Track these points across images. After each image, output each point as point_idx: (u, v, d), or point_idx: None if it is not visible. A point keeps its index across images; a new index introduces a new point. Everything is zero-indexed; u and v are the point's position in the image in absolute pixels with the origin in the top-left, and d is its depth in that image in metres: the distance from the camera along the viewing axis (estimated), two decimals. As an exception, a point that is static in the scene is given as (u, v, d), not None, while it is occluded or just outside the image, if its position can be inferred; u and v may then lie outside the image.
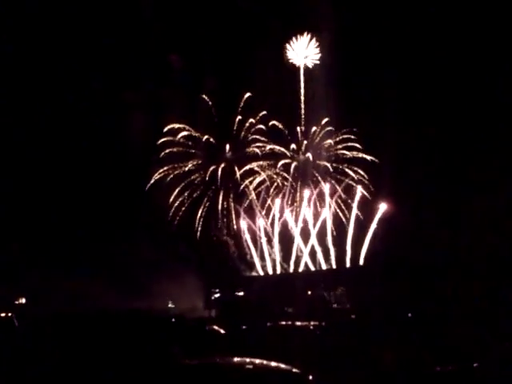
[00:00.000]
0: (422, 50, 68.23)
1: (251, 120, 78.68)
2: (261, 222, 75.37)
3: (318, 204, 77.50)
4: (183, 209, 77.57)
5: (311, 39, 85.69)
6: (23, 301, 67.40)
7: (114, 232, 67.07)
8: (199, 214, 77.61)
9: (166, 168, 76.95)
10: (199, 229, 77.45)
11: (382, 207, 70.67)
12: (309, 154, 79.76)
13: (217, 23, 73.68)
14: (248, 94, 77.79)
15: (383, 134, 67.49)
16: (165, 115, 75.91)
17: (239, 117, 78.55)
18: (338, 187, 77.16)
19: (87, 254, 67.07)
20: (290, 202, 77.75)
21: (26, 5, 67.77)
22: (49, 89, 69.18)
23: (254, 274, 75.80)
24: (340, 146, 79.68)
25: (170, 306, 67.76)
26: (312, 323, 31.02)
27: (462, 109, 66.54)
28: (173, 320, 32.88)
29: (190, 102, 77.55)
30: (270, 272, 75.99)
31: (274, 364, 12.81)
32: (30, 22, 68.23)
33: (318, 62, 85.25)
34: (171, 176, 77.17)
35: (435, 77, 68.65)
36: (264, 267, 76.19)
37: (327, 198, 75.62)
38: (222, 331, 28.73)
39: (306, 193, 76.20)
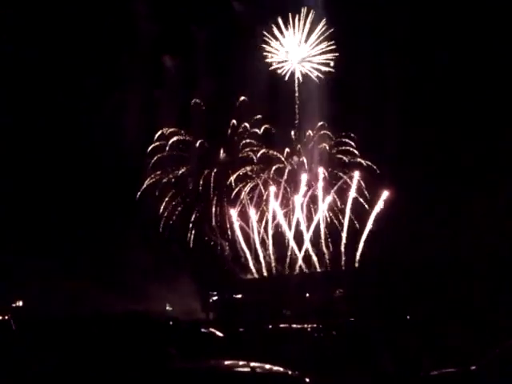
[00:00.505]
0: (421, 47, 67.93)
1: (245, 124, 78.42)
2: (254, 225, 75.28)
3: (311, 207, 77.27)
4: (177, 212, 77.42)
5: (307, 38, 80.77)
6: (20, 303, 67.34)
7: (111, 235, 67.00)
8: (193, 218, 77.49)
9: (158, 172, 76.76)
10: (193, 232, 77.36)
11: (384, 194, 69.59)
12: (303, 158, 79.41)
13: (211, 26, 73.27)
14: (243, 98, 77.38)
15: (381, 136, 67.17)
16: (158, 118, 75.73)
17: (233, 121, 78.30)
18: (332, 191, 76.71)
19: (86, 257, 67.02)
20: (283, 206, 77.50)
21: (24, 7, 67.83)
22: (46, 90, 69.11)
23: (249, 276, 75.72)
24: (335, 151, 79.20)
25: (167, 308, 67.74)
26: (310, 326, 30.93)
27: (463, 109, 66.34)
28: (170, 323, 32.78)
29: (184, 105, 77.33)
30: (265, 275, 75.92)
31: (271, 367, 12.63)
32: (28, 23, 68.23)
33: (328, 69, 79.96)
34: (164, 180, 77.00)
35: (435, 76, 68.48)
36: (259, 270, 76.13)
37: (320, 201, 75.35)
38: (220, 334, 28.62)
39: (299, 196, 75.81)
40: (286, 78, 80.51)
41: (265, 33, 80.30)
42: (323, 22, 79.35)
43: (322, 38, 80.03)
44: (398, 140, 65.60)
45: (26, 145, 69.24)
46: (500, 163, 62.32)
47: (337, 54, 79.12)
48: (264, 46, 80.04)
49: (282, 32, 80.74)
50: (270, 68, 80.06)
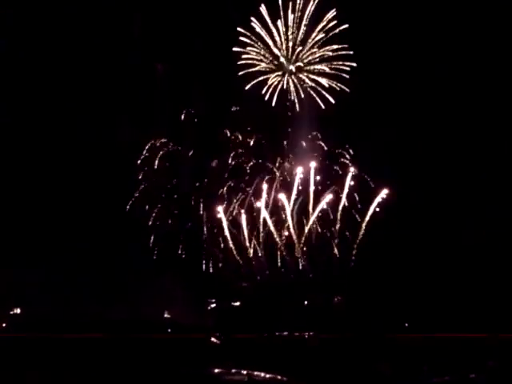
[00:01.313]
0: (421, 57, 67.55)
1: (237, 134, 77.78)
2: (246, 234, 75.12)
3: (302, 216, 76.73)
4: (169, 223, 77.13)
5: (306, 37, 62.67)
6: (18, 311, 67.20)
7: (109, 243, 67.20)
8: (184, 228, 77.24)
9: (148, 184, 76.28)
10: (185, 242, 77.11)
11: (383, 192, 67.89)
12: (294, 167, 78.51)
13: (204, 34, 72.48)
14: (236, 108, 76.29)
15: (378, 148, 66.67)
16: (149, 128, 75.33)
17: (226, 131, 77.61)
18: (324, 198, 75.89)
19: (84, 264, 67.18)
20: (274, 214, 77.06)
21: (24, 7, 68.20)
22: (42, 93, 69.30)
23: (245, 284, 75.58)
24: (327, 162, 78.06)
25: (165, 315, 67.86)
26: (308, 333, 30.94)
27: (462, 117, 66.34)
28: (169, 330, 32.82)
29: (176, 115, 76.83)
30: (261, 282, 75.78)
31: (268, 375, 12.55)
32: (27, 23, 68.62)
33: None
34: (155, 192, 76.58)
35: (433, 85, 68.38)
36: (254, 277, 75.95)
37: (311, 210, 74.90)
38: (218, 341, 28.65)
39: (290, 204, 75.30)
40: (273, 103, 64.81)
41: (241, 30, 62.99)
42: (332, 12, 59.66)
43: (329, 36, 61.32)
44: (395, 152, 65.27)
45: (25, 150, 69.38)
46: (499, 169, 62.35)
47: (353, 64, 60.71)
48: (240, 49, 64.35)
49: (266, 27, 62.96)
50: (247, 87, 65.11)
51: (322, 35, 60.56)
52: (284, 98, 64.62)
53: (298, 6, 60.49)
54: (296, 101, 64.33)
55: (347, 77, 60.69)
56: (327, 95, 62.58)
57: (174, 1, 69.72)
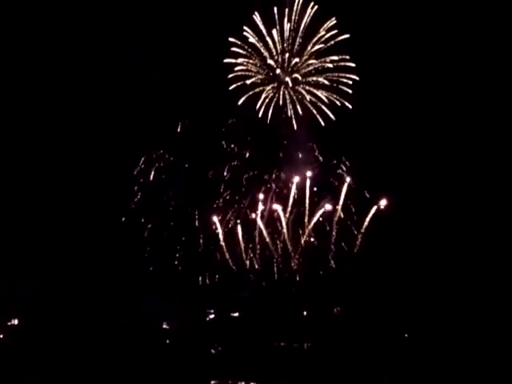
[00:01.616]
0: (422, 70, 67.49)
1: (233, 145, 77.76)
2: (242, 246, 75.26)
3: (299, 227, 76.79)
4: (165, 234, 77.20)
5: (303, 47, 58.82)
6: (16, 322, 67.14)
7: (108, 252, 67.37)
8: (181, 240, 77.30)
9: (144, 196, 76.26)
10: (181, 253, 77.16)
11: (380, 203, 67.60)
12: (291, 177, 78.46)
13: (201, 43, 72.21)
14: (232, 120, 76.17)
15: (376, 160, 66.77)
16: (145, 140, 75.39)
17: (222, 143, 77.55)
18: (319, 210, 75.87)
19: (83, 273, 67.36)
20: (270, 226, 77.12)
21: (24, 7, 68.68)
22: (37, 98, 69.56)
23: (244, 295, 75.65)
24: (322, 174, 77.81)
25: (164, 326, 67.91)
26: (307, 344, 31.07)
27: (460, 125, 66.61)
28: (167, 341, 32.97)
29: (172, 127, 76.84)
30: (260, 293, 75.84)
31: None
32: (27, 24, 69.09)
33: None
34: (151, 204, 76.59)
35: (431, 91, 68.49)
36: (252, 288, 75.99)
37: (307, 222, 74.98)
38: (216, 352, 28.78)
39: (285, 216, 75.34)
40: (268, 120, 62.15)
41: (233, 40, 60.26)
42: (332, 21, 56.77)
43: (328, 45, 57.84)
44: (391, 163, 65.46)
45: (24, 152, 69.61)
46: (496, 177, 62.69)
47: (356, 78, 57.84)
48: (232, 61, 61.68)
49: (261, 36, 60.12)
50: (240, 101, 62.83)
51: (320, 45, 58.33)
52: (280, 112, 62.78)
53: (294, 14, 58.14)
54: (293, 116, 62.31)
55: (350, 91, 58.46)
56: (327, 110, 60.67)
57: (168, 9, 70.18)
